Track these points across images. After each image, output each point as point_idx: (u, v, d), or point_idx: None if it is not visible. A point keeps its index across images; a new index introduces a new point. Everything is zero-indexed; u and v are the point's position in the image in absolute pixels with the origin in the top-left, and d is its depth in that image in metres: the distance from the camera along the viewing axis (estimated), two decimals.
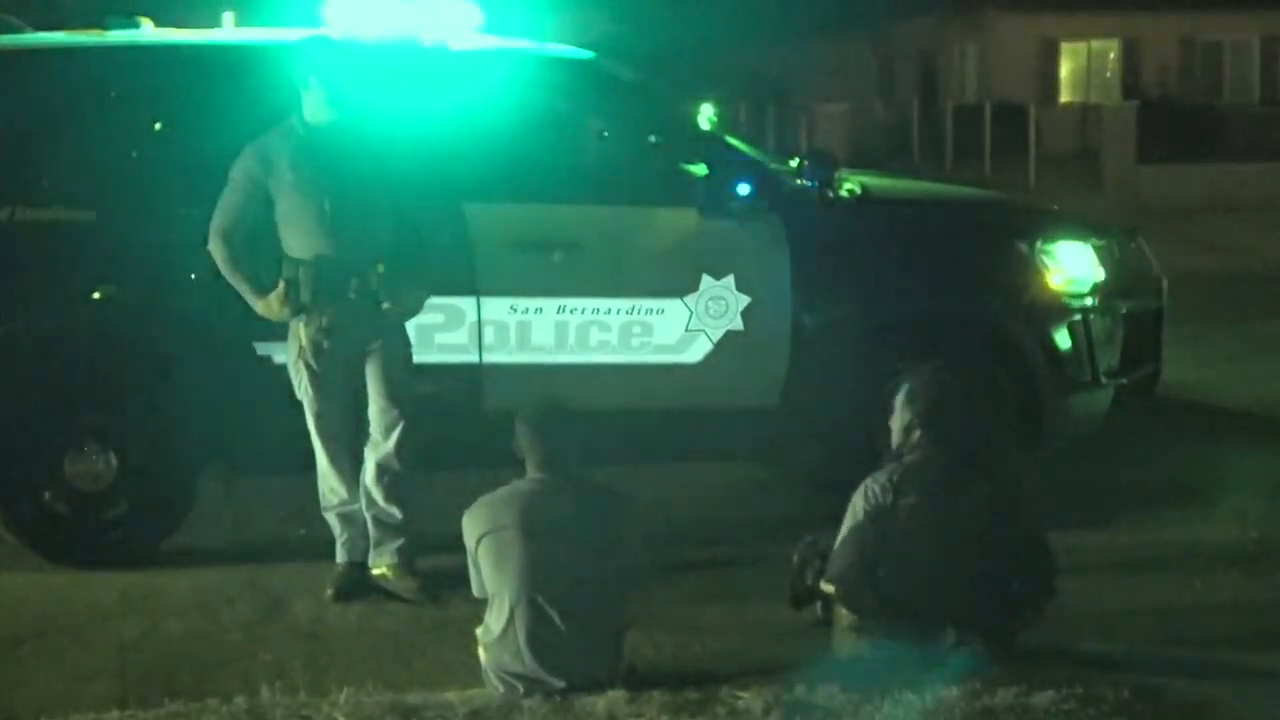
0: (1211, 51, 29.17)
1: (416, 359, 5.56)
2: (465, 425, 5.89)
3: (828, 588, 4.64)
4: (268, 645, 4.99)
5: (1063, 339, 6.36)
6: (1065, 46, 29.77)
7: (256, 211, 5.32)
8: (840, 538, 4.61)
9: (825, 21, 30.65)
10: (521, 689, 4.27)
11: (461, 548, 4.50)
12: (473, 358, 5.96)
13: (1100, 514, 6.28)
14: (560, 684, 4.25)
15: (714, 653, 4.79)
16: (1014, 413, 6.18)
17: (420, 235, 5.43)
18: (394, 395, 5.39)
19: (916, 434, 4.65)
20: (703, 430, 6.23)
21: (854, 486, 4.67)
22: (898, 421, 4.72)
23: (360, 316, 5.31)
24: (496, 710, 4.12)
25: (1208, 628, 5.00)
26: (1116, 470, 6.93)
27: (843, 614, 4.63)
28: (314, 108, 5.32)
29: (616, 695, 4.17)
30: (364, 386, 5.41)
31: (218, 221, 5.35)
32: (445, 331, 5.91)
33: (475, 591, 4.50)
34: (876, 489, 4.57)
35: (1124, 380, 6.55)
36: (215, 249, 5.36)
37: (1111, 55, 29.69)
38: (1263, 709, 4.24)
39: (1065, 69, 30.16)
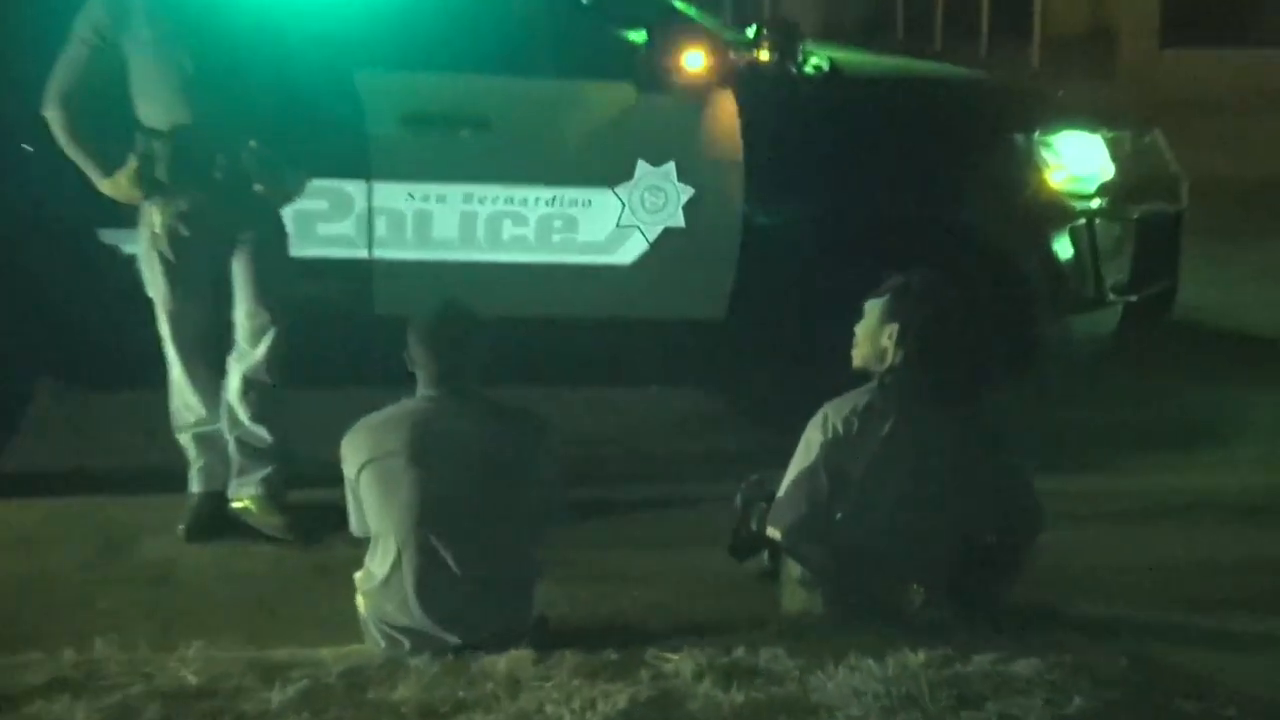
0: None
1: (294, 253, 5.54)
2: (351, 333, 5.87)
3: (775, 534, 4.64)
4: (106, 590, 4.96)
5: (1063, 247, 6.39)
6: None
7: (104, 73, 5.22)
8: (791, 476, 4.61)
9: None
10: (408, 644, 4.27)
11: (341, 478, 4.47)
12: (361, 253, 5.95)
13: (1098, 456, 6.35)
14: (454, 639, 4.25)
15: (640, 607, 4.81)
16: (1003, 334, 6.20)
17: (302, 106, 5.35)
18: (265, 295, 5.37)
19: (892, 353, 4.62)
20: (634, 346, 6.24)
21: (810, 416, 4.66)
22: (870, 337, 4.67)
23: (227, 200, 5.26)
24: (377, 670, 4.10)
25: (1216, 588, 5.05)
26: (1119, 405, 6.98)
27: (792, 566, 4.65)
28: None
29: (522, 654, 4.16)
30: (229, 284, 5.38)
31: (56, 83, 5.24)
32: (329, 221, 5.89)
33: (355, 530, 4.49)
34: (837, 420, 4.55)
35: (1133, 298, 6.62)
36: (52, 116, 5.26)
37: None
38: (1274, 681, 4.27)
39: None
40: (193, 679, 4.04)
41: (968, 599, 4.52)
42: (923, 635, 4.28)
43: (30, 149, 5.57)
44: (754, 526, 4.89)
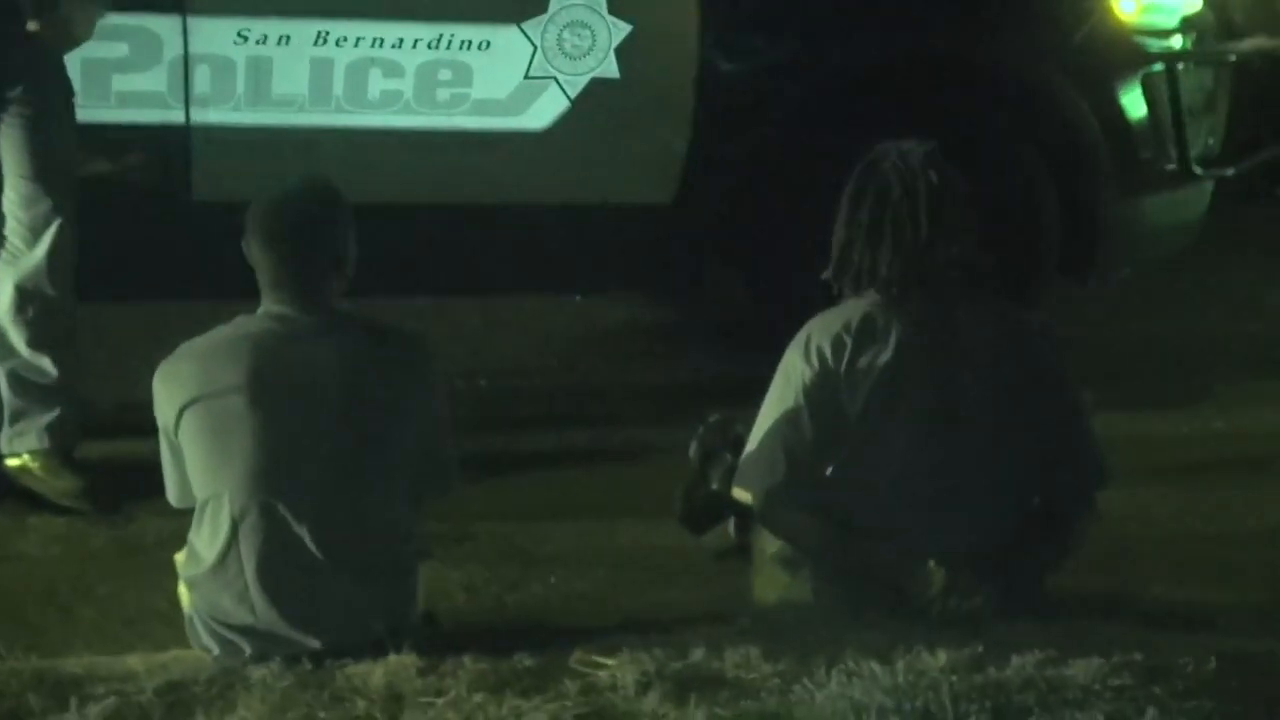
0: None
1: (83, 117, 5.55)
2: (164, 227, 5.90)
3: (744, 496, 4.64)
4: None
5: (1133, 103, 6.46)
6: None
7: None
8: (766, 419, 4.62)
9: None
10: (249, 649, 4.26)
11: (153, 426, 4.46)
12: (176, 116, 5.96)
13: (1178, 387, 6.46)
14: (313, 642, 4.25)
15: (562, 596, 4.89)
16: (1053, 222, 6.32)
17: None
18: (45, 176, 5.38)
19: (892, 252, 4.66)
20: (551, 241, 6.31)
21: (788, 337, 4.67)
22: (862, 232, 4.67)
23: None
24: (207, 684, 4.09)
25: None
26: (1206, 318, 7.14)
27: (768, 539, 4.69)
28: None
29: (404, 661, 4.15)
30: None
31: None
32: (131, 72, 5.91)
33: (173, 498, 4.48)
34: (825, 341, 4.55)
35: (1230, 171, 6.72)
36: None
37: None
38: None
39: None
40: None
41: (1005, 581, 4.52)
42: (945, 630, 4.30)
43: None
44: (715, 486, 4.94)
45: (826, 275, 4.70)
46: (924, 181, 4.63)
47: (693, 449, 5.03)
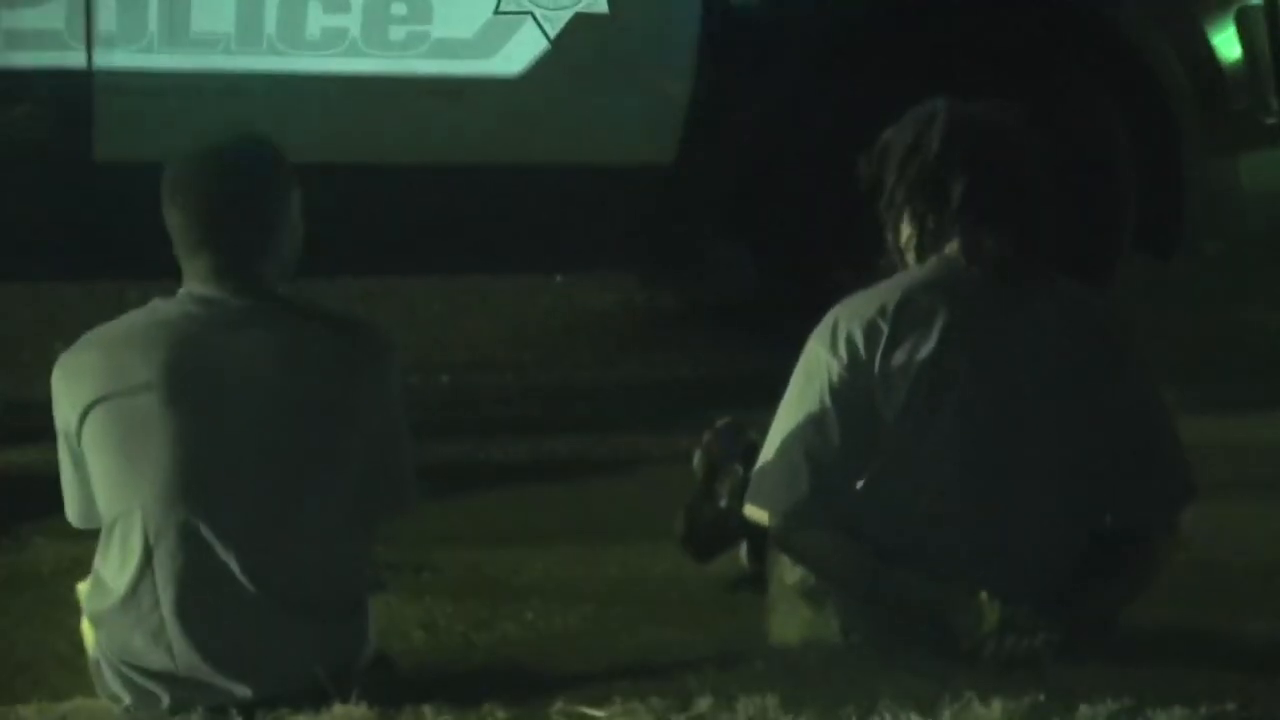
0: None
1: None
2: (62, 192, 5.92)
3: (759, 515, 4.62)
4: None
5: (1226, 43, 6.50)
6: None
7: None
8: (785, 424, 4.60)
9: None
10: (166, 699, 4.26)
11: (50, 431, 4.46)
12: (76, 59, 5.99)
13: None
14: (242, 690, 4.26)
15: (540, 636, 4.91)
16: (1129, 187, 6.36)
17: None
18: None
19: (935, 216, 4.67)
20: (525, 211, 6.36)
21: (809, 324, 4.67)
22: (903, 195, 4.69)
23: None
24: None
25: None
26: None
27: (787, 566, 4.67)
28: None
29: (352, 713, 4.16)
30: None
31: None
32: (21, 6, 5.95)
33: (73, 516, 4.47)
34: (855, 328, 4.52)
35: None
36: None
37: None
38: None
39: None
40: None
41: (1071, 616, 4.49)
42: (1000, 675, 4.29)
43: None
44: (723, 503, 4.97)
45: (895, 237, 4.67)
46: (991, 136, 4.67)
47: (697, 459, 5.04)
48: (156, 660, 4.30)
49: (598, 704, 4.23)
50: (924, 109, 4.66)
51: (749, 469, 4.77)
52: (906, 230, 4.65)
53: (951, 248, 4.61)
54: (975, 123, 4.64)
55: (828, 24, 6.26)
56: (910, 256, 4.66)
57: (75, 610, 4.51)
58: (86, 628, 4.47)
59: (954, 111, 4.63)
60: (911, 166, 4.62)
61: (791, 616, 4.72)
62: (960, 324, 4.56)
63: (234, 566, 4.29)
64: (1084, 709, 4.14)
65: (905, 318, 4.56)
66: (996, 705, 4.14)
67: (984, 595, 4.46)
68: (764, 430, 4.69)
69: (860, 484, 4.56)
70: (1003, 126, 4.67)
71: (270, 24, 6.00)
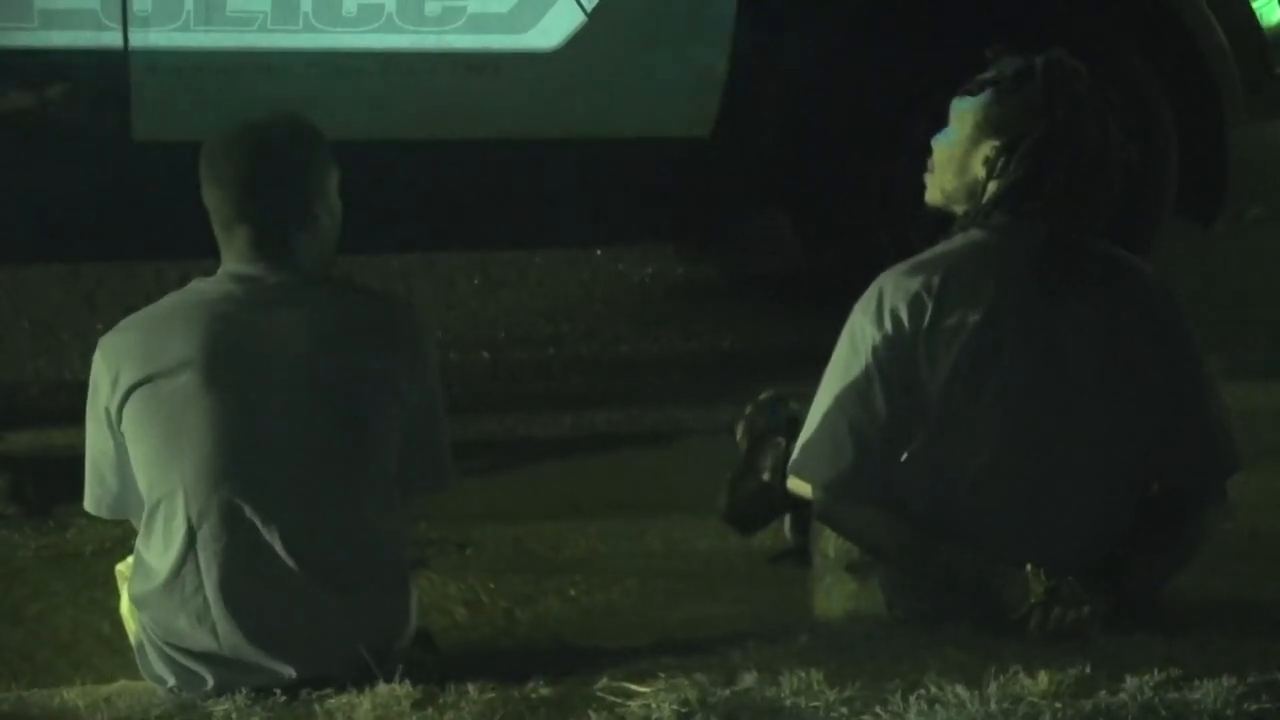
0: None
1: (7, 42, 5.63)
2: (100, 172, 5.89)
3: (802, 489, 4.62)
4: None
5: (1267, 6, 6.47)
6: None
7: None
8: (828, 396, 4.59)
9: None
10: (211, 680, 4.27)
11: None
12: (113, 39, 5.97)
13: None
14: (286, 670, 4.26)
15: (583, 611, 4.92)
16: (1170, 151, 6.33)
17: None
18: None
19: (989, 184, 4.65)
20: (564, 186, 6.36)
21: (853, 294, 4.65)
22: (956, 159, 4.62)
23: None
24: None
25: None
26: None
27: (830, 539, 4.68)
28: None
29: (395, 692, 4.14)
30: None
31: None
32: None
33: (92, 504, 4.48)
34: (900, 301, 4.51)
35: None
36: None
37: None
38: None
39: None
40: None
41: (1117, 587, 4.49)
42: (1046, 647, 4.29)
43: None
44: (766, 476, 4.99)
45: (935, 202, 4.64)
46: (1061, 105, 4.64)
47: (739, 432, 5.06)
48: (201, 642, 4.30)
49: (641, 680, 4.20)
50: (990, 83, 4.65)
51: (791, 441, 4.74)
52: (963, 198, 4.65)
53: (1007, 217, 4.59)
54: (1072, 92, 4.61)
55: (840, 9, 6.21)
56: (964, 208, 4.66)
57: (116, 591, 4.54)
58: (127, 610, 4.48)
59: (1019, 83, 4.61)
60: (974, 138, 4.62)
61: (835, 590, 4.73)
62: (1006, 295, 4.55)
63: (277, 546, 4.30)
64: (1130, 680, 4.10)
65: (951, 289, 4.55)
66: (1043, 677, 4.10)
67: (1030, 567, 4.44)
68: (807, 402, 4.68)
69: (905, 456, 4.55)
70: (1072, 100, 4.65)
71: (306, 1, 5.98)
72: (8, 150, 5.52)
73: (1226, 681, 4.11)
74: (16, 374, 5.59)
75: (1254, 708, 4.03)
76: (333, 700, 4.18)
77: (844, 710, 4.06)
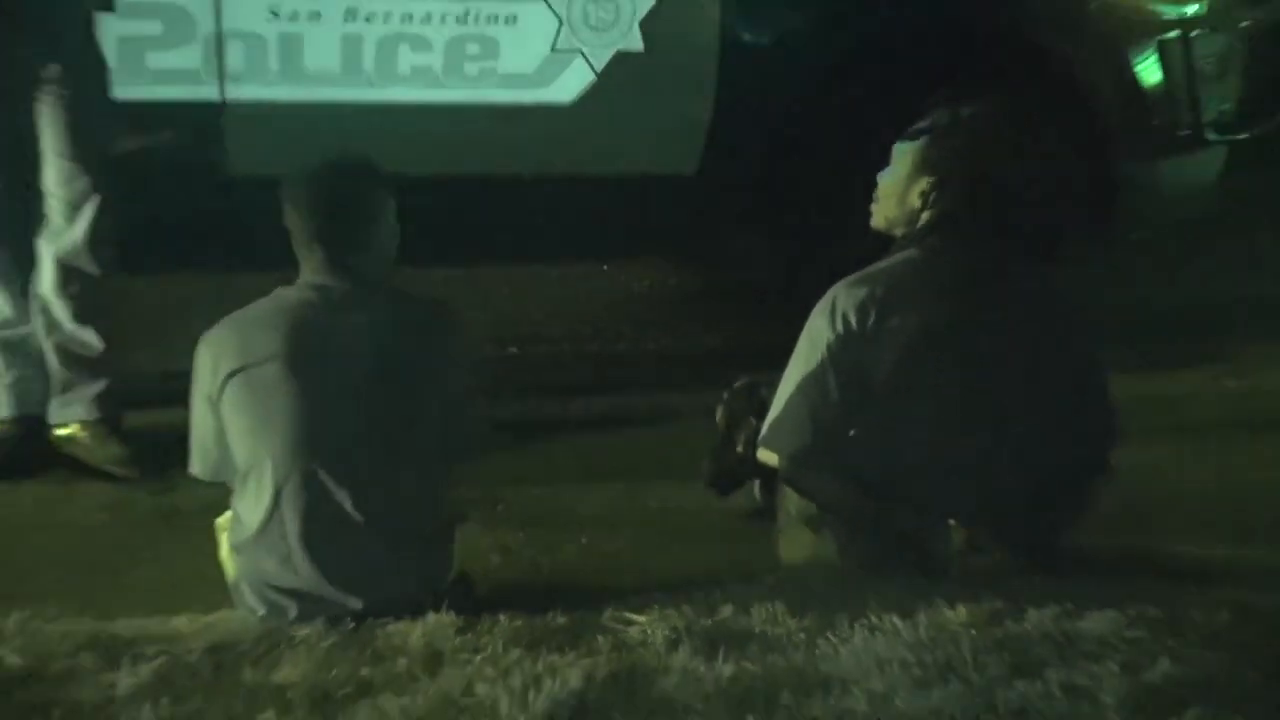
0: None
1: (118, 94, 5.56)
2: (200, 201, 5.93)
3: (770, 459, 4.69)
4: None
5: (1150, 69, 6.45)
6: None
7: None
8: (791, 382, 4.65)
9: None
10: (294, 611, 4.31)
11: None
12: (210, 93, 5.99)
13: (1194, 349, 6.47)
14: (355, 603, 4.30)
15: (593, 557, 4.95)
16: (1073, 184, 6.35)
17: None
18: (82, 154, 5.39)
19: (924, 213, 4.68)
20: (578, 212, 6.35)
21: (814, 300, 4.68)
22: (897, 192, 4.73)
23: (20, 25, 5.26)
24: (254, 643, 4.13)
25: None
26: (1222, 280, 7.15)
27: (794, 500, 4.72)
28: None
29: (442, 621, 4.20)
30: (33, 140, 5.39)
31: None
32: (165, 49, 5.93)
33: (197, 468, 4.54)
34: (850, 305, 4.58)
35: (1243, 135, 6.69)
36: None
37: None
38: None
39: None
40: (14, 659, 4.05)
41: (1022, 539, 4.56)
42: (965, 586, 4.33)
43: None
44: (741, 449, 5.02)
45: (879, 227, 4.76)
46: (974, 145, 4.72)
47: (719, 413, 5.10)
48: (285, 580, 4.37)
49: (639, 611, 4.29)
50: (925, 130, 4.73)
51: (761, 421, 4.81)
52: (902, 223, 4.73)
53: (937, 239, 4.66)
54: (966, 143, 4.71)
55: (819, 60, 6.21)
56: (903, 231, 4.73)
57: (216, 540, 4.60)
58: (226, 555, 4.55)
59: (948, 132, 4.71)
60: (916, 167, 4.69)
61: (796, 541, 4.78)
62: (937, 304, 4.62)
63: (345, 504, 4.36)
64: (1032, 613, 4.19)
65: (892, 298, 4.61)
66: (962, 610, 4.19)
67: (952, 522, 4.55)
68: (774, 389, 4.75)
69: (853, 432, 4.63)
70: (990, 147, 4.77)
71: (369, 62, 6.04)
72: (129, 181, 5.48)
73: (1110, 615, 4.20)
74: (133, 365, 5.59)
75: (1130, 635, 4.10)
76: (391, 627, 4.22)
77: (802, 636, 4.13)
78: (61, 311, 5.48)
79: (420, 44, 6.07)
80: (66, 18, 5.38)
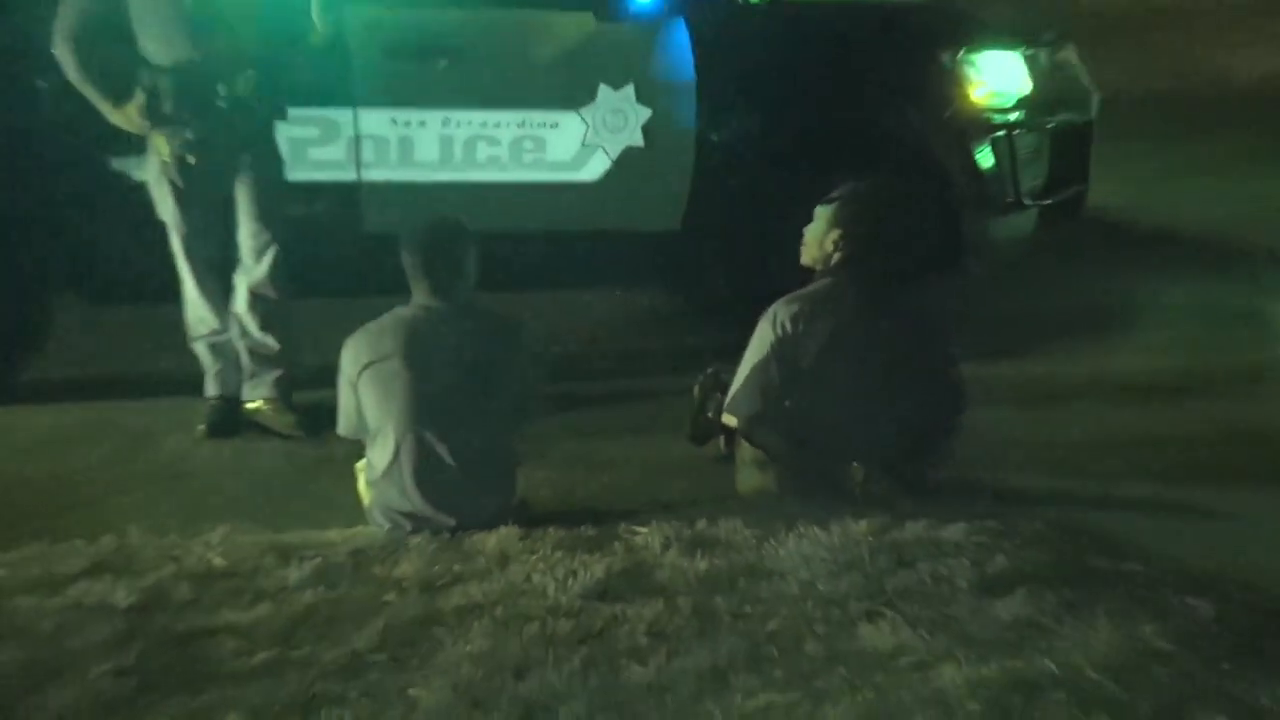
0: None
1: (290, 176, 5.54)
2: (344, 248, 5.89)
3: (731, 421, 4.70)
4: (135, 485, 5.00)
5: (985, 157, 6.41)
6: None
7: (107, 12, 5.10)
8: (745, 368, 4.65)
9: None
10: (409, 526, 4.33)
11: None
12: (350, 175, 5.93)
13: (1018, 343, 6.44)
14: (450, 521, 4.31)
15: (611, 489, 4.89)
16: (935, 236, 6.27)
17: (293, 40, 5.30)
18: (266, 216, 5.35)
19: (835, 254, 4.69)
20: (600, 254, 6.28)
21: (761, 314, 4.69)
22: (817, 240, 4.72)
23: (227, 129, 5.21)
24: (381, 549, 4.16)
25: (1120, 460, 5.13)
26: (1036, 297, 7.11)
27: (747, 449, 4.71)
28: None
29: (509, 532, 4.22)
30: (233, 207, 5.36)
31: (63, 21, 5.11)
32: (320, 146, 5.86)
33: (343, 429, 4.52)
34: (786, 316, 4.59)
35: (1048, 201, 6.65)
36: (62, 54, 5.13)
37: None
38: (1175, 539, 4.35)
39: None
40: (218, 561, 4.08)
41: (904, 475, 4.56)
42: (864, 507, 4.35)
43: (44, 84, 5.49)
44: (711, 414, 4.96)
45: (806, 263, 4.75)
46: (865, 209, 4.68)
47: (695, 390, 5.05)
48: (403, 505, 4.38)
49: (643, 526, 4.29)
50: (835, 199, 4.72)
51: (724, 396, 4.78)
52: (821, 261, 4.71)
53: (843, 271, 4.64)
54: (874, 208, 4.68)
55: (764, 153, 6.23)
56: (821, 267, 4.70)
57: (355, 478, 4.61)
58: (362, 488, 4.55)
59: (854, 193, 4.70)
60: (828, 224, 4.66)
61: (748, 478, 4.74)
62: (843, 315, 4.61)
63: (443, 454, 4.35)
64: (910, 525, 4.23)
65: (815, 310, 4.62)
66: (863, 524, 4.21)
67: (855, 464, 4.54)
68: (732, 373, 4.74)
69: (787, 403, 4.61)
70: (884, 204, 4.75)
71: (458, 154, 5.98)
72: (297, 235, 5.49)
73: (962, 526, 4.22)
74: (299, 359, 5.56)
75: (976, 540, 4.14)
76: (474, 537, 4.23)
77: (753, 541, 4.16)
78: (251, 324, 5.46)
79: (492, 141, 6.01)
80: (261, 127, 5.37)
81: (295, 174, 5.62)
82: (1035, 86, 6.55)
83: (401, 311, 4.50)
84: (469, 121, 5.97)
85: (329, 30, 5.39)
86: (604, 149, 6.07)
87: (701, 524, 4.26)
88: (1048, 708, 3.24)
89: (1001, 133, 6.44)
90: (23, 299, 5.84)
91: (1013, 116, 6.47)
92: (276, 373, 5.50)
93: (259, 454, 5.34)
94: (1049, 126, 6.62)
